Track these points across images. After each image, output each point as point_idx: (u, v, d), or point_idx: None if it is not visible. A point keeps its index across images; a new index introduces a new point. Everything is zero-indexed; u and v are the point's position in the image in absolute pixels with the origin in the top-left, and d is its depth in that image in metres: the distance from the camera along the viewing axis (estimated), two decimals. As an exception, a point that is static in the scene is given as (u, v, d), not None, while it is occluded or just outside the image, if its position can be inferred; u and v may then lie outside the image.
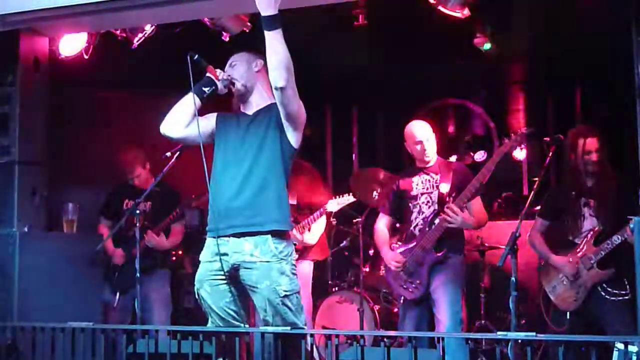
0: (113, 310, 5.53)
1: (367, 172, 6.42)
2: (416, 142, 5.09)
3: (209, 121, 3.92)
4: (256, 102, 3.88)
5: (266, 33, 3.54)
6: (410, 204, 5.12)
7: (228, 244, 3.69)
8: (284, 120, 3.72)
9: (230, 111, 4.05)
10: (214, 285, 3.72)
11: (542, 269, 4.93)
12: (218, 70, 3.85)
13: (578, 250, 4.70)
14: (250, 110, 3.88)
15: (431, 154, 5.12)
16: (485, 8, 5.23)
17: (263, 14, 3.53)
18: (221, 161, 3.81)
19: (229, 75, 3.85)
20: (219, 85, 3.83)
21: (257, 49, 3.67)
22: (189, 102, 3.79)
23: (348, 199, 5.78)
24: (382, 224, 5.31)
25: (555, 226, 4.93)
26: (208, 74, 3.83)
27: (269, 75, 3.61)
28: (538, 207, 5.08)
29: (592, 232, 4.67)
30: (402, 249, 5.11)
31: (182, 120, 3.81)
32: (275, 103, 3.75)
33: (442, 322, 4.86)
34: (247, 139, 3.77)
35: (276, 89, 3.58)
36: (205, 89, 3.80)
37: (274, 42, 3.52)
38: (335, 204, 5.72)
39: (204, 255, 3.79)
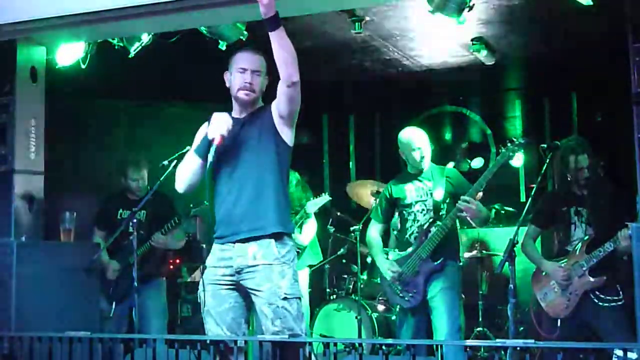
0: (109, 319, 5.51)
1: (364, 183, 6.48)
2: (411, 150, 5.09)
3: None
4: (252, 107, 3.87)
5: (272, 34, 3.56)
6: (404, 212, 5.11)
7: (233, 249, 3.72)
8: (282, 119, 3.72)
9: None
10: (216, 289, 3.74)
11: (533, 276, 4.93)
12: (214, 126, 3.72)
13: (570, 257, 4.70)
14: (242, 114, 3.84)
15: (425, 162, 5.11)
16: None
17: (266, 17, 3.55)
18: (218, 169, 3.81)
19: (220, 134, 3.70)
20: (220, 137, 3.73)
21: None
22: (193, 165, 3.79)
23: (324, 198, 5.83)
24: (375, 231, 5.30)
25: (549, 233, 4.94)
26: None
27: (283, 71, 3.59)
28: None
29: (584, 239, 4.67)
30: (397, 258, 5.10)
31: (196, 181, 3.82)
32: (264, 106, 3.78)
33: (440, 330, 4.85)
34: (242, 143, 3.76)
35: (291, 84, 3.60)
36: (210, 154, 3.72)
37: (283, 38, 3.57)
38: (313, 205, 5.76)
39: (210, 260, 3.81)
